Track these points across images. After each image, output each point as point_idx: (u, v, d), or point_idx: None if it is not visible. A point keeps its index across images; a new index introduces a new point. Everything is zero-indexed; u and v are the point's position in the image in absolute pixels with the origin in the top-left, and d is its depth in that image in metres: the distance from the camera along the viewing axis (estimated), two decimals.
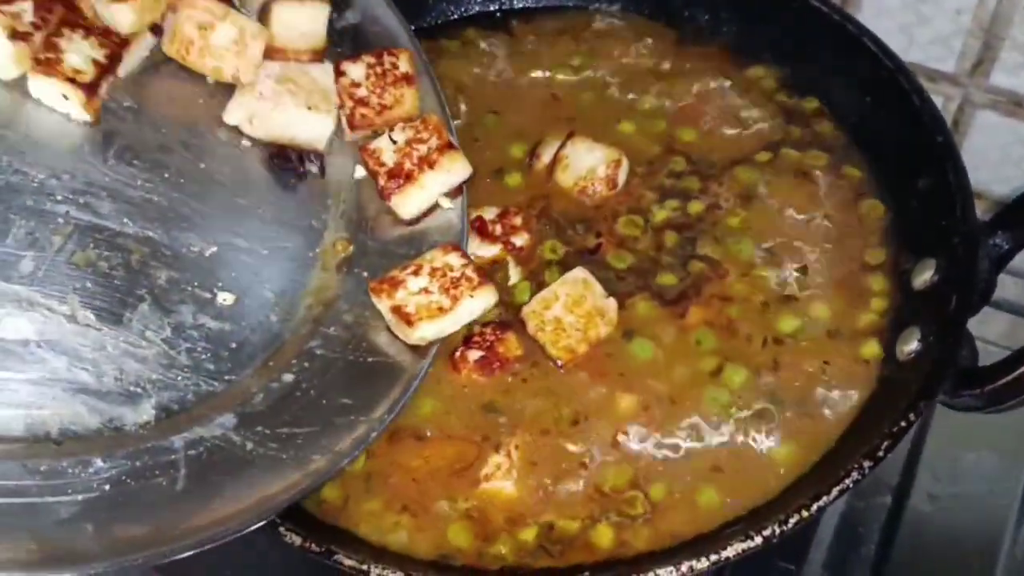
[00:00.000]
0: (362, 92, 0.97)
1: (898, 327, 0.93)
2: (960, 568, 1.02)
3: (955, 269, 0.91)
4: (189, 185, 0.91)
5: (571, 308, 0.92)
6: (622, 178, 1.05)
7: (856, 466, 0.79)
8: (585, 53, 1.19)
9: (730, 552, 0.76)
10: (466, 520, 0.84)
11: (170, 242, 0.88)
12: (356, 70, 0.98)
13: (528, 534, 0.83)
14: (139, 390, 0.81)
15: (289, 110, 0.93)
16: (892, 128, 1.05)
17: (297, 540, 0.78)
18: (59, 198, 0.85)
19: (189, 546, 0.74)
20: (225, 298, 0.88)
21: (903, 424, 0.81)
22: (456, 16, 1.24)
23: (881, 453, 0.80)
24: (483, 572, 0.82)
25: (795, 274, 0.98)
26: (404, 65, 0.98)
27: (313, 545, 0.77)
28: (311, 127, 0.94)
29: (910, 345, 0.90)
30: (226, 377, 0.85)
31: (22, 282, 0.81)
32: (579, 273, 0.94)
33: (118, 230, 0.86)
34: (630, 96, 1.15)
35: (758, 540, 0.76)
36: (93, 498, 0.75)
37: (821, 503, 0.77)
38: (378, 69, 0.98)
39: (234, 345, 0.86)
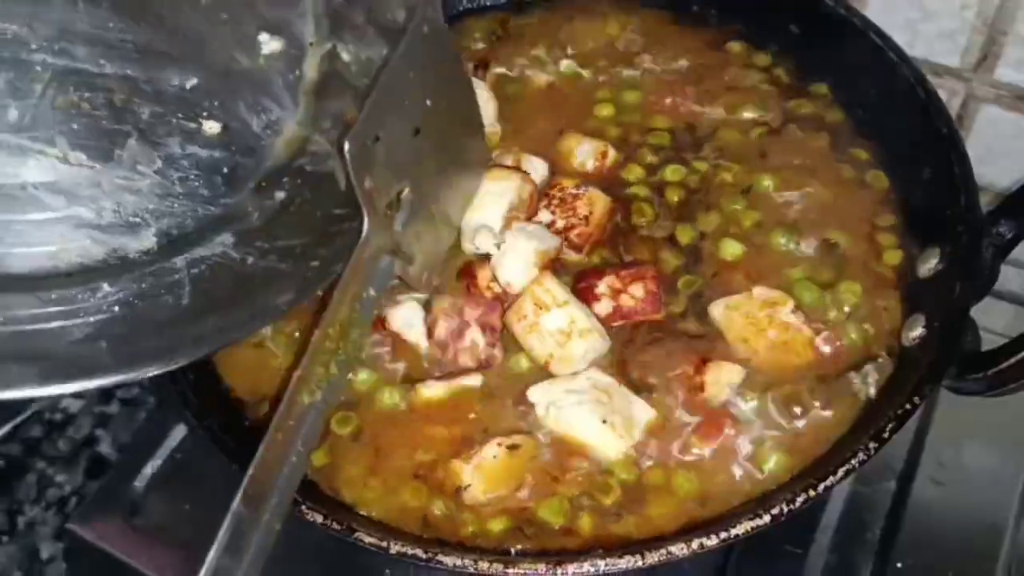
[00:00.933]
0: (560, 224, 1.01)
1: (905, 313, 0.96)
2: (964, 552, 1.03)
3: (959, 257, 0.93)
4: (163, 21, 0.91)
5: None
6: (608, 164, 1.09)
7: (862, 447, 0.81)
8: (590, 41, 1.21)
9: (739, 530, 0.77)
10: (419, 482, 0.88)
11: (149, 78, 0.89)
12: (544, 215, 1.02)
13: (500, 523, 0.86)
14: (138, 220, 0.85)
15: (587, 416, 0.89)
16: (897, 120, 1.07)
17: (319, 518, 0.79)
18: (34, 47, 0.86)
19: (198, 352, 0.79)
20: (211, 127, 0.90)
21: (908, 407, 0.83)
22: (472, 5, 1.27)
23: (887, 435, 0.81)
24: (491, 551, 0.84)
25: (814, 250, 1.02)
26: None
27: (334, 523, 0.79)
28: (600, 440, 0.89)
29: (915, 331, 0.92)
30: (221, 200, 0.88)
31: (10, 130, 0.83)
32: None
33: (96, 72, 0.87)
34: (636, 83, 1.18)
35: (766, 518, 0.78)
36: (104, 319, 0.79)
37: (828, 483, 0.79)
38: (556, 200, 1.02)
39: (226, 170, 0.89)
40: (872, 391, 0.91)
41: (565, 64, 1.20)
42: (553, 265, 0.98)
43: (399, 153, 0.84)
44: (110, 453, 1.20)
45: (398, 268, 0.87)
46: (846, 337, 0.95)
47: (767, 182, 1.06)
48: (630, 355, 0.95)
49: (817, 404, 0.91)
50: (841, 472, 0.79)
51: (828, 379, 0.92)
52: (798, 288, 0.98)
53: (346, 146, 0.77)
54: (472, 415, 0.92)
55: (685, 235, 1.03)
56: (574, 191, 1.03)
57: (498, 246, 0.97)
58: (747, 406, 0.91)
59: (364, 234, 0.81)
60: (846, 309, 0.97)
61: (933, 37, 1.27)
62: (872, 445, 0.80)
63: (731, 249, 1.01)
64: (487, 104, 1.11)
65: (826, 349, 0.94)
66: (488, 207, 0.99)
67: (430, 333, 0.94)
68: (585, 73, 1.19)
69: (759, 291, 0.96)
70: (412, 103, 0.85)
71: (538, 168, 1.07)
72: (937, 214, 0.98)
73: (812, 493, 0.79)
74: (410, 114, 0.85)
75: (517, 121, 1.14)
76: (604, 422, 0.88)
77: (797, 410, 0.90)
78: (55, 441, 1.21)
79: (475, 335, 0.94)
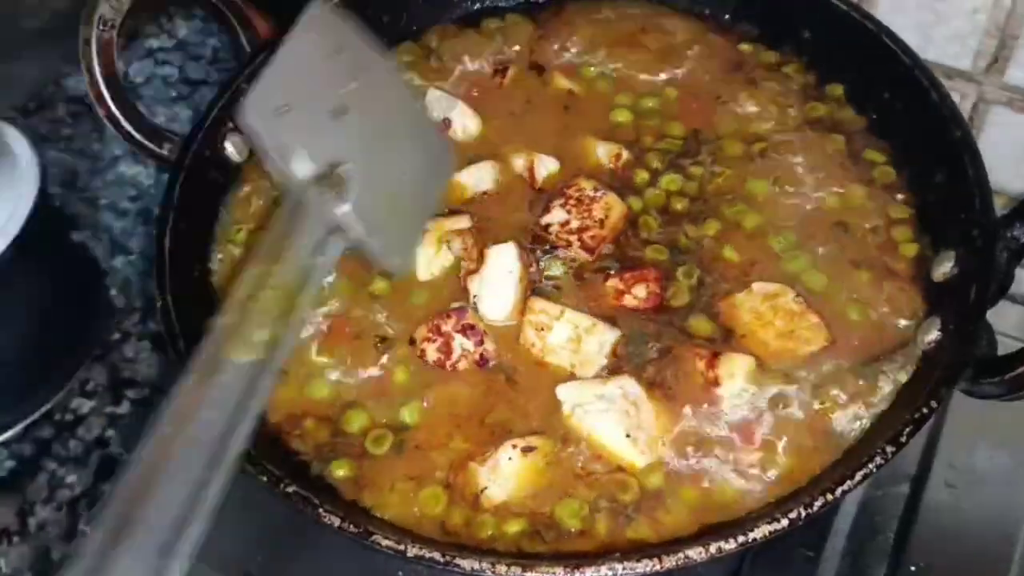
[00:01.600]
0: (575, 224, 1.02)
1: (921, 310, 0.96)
2: (977, 556, 1.03)
3: (974, 261, 0.93)
4: None
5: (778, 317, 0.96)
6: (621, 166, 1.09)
7: (879, 451, 0.80)
8: (608, 43, 1.21)
9: (757, 534, 0.77)
10: (443, 488, 0.87)
11: None
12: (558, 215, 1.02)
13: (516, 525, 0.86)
14: None
15: (612, 425, 0.89)
16: (911, 123, 1.07)
17: (336, 521, 0.79)
18: None
19: None
20: None
21: (925, 411, 0.82)
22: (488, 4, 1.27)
23: (904, 439, 0.81)
24: (508, 555, 0.83)
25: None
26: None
27: (351, 526, 0.79)
28: (620, 449, 0.88)
29: (930, 334, 0.92)
30: None
31: None
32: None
33: None
34: (647, 84, 1.18)
35: (784, 523, 0.78)
36: None
37: (845, 487, 0.79)
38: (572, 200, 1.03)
39: None
40: (900, 381, 0.92)
41: (582, 67, 1.19)
42: (532, 284, 1.00)
43: (325, 129, 0.82)
44: (120, 454, 1.19)
45: (366, 251, 0.85)
46: (856, 322, 0.95)
47: (764, 184, 1.06)
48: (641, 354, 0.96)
49: (844, 396, 0.91)
50: (859, 476, 0.79)
51: (851, 367, 0.93)
52: (805, 277, 0.99)
53: (246, 110, 0.76)
54: (493, 415, 0.92)
55: (687, 239, 1.04)
56: (592, 193, 1.04)
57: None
58: (765, 397, 0.92)
59: (288, 204, 0.79)
60: (856, 296, 0.97)
61: (944, 40, 1.26)
62: (890, 449, 0.80)
63: (732, 251, 1.02)
64: (469, 119, 1.12)
65: (838, 334, 0.94)
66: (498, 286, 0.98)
67: (423, 361, 0.96)
68: (603, 76, 1.18)
69: (758, 286, 0.97)
70: (328, 81, 0.83)
71: (548, 166, 1.08)
72: (951, 217, 0.97)
73: (830, 497, 0.79)
74: (328, 92, 0.83)
75: (532, 123, 1.14)
76: (628, 436, 0.88)
77: (831, 396, 0.91)
78: (66, 442, 1.20)
79: (461, 342, 0.95)
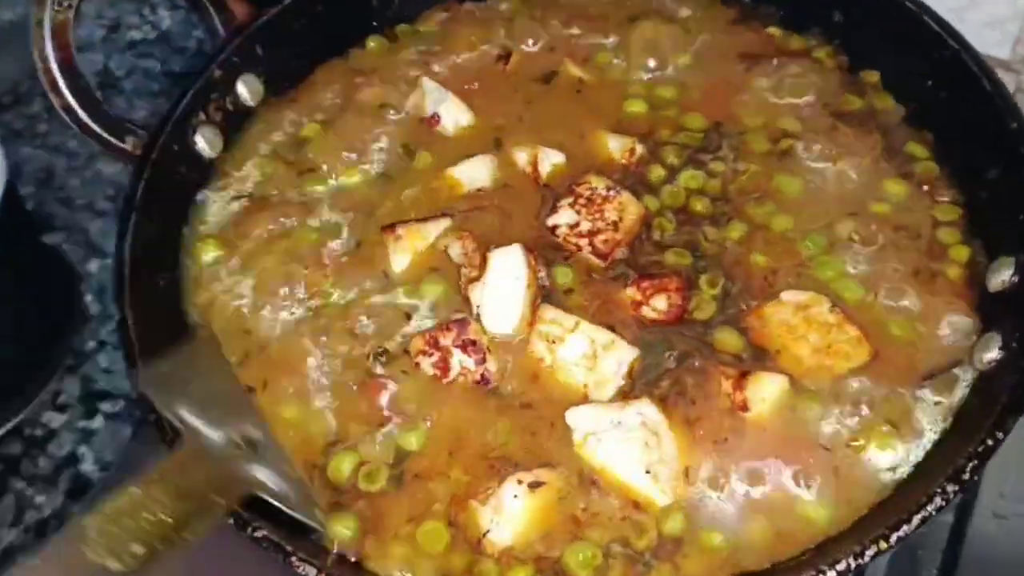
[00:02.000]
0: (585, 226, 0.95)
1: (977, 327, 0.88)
2: None
3: None
4: None
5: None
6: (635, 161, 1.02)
7: (939, 490, 0.72)
8: (620, 25, 1.14)
9: None
10: (445, 524, 0.80)
11: None
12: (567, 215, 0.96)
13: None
14: None
15: (630, 458, 0.80)
16: (957, 113, 1.00)
17: (312, 572, 0.72)
18: None
19: None
20: None
21: (990, 443, 0.74)
22: None
23: (966, 475, 0.73)
24: None
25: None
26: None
27: None
28: (639, 486, 0.80)
29: (990, 353, 0.85)
30: None
31: None
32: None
33: None
34: (664, 71, 1.11)
35: (831, 575, 0.69)
36: None
37: (901, 533, 0.70)
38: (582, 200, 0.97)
39: None
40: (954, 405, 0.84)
41: (594, 53, 1.12)
42: (542, 291, 0.92)
43: (232, 407, 0.87)
44: (93, 472, 1.14)
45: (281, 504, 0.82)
46: (900, 337, 0.88)
47: (793, 182, 0.99)
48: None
49: (891, 421, 0.83)
50: (916, 520, 0.71)
51: (898, 388, 0.84)
52: (838, 285, 0.91)
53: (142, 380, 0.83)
54: (495, 443, 0.84)
55: (707, 243, 0.96)
56: (604, 192, 0.96)
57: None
58: (801, 422, 0.83)
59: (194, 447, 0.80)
60: (898, 307, 0.90)
61: (979, 25, 1.21)
62: (951, 488, 0.72)
63: (761, 256, 0.94)
64: (461, 113, 1.06)
65: (880, 350, 0.86)
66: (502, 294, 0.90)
67: (418, 374, 0.88)
68: (616, 63, 1.11)
69: (788, 295, 0.90)
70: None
71: (553, 159, 1.01)
72: (1008, 219, 0.90)
73: (883, 545, 0.70)
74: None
75: (538, 114, 1.07)
76: (648, 472, 0.79)
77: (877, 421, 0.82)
78: (35, 459, 1.14)
79: (460, 359, 0.88)
